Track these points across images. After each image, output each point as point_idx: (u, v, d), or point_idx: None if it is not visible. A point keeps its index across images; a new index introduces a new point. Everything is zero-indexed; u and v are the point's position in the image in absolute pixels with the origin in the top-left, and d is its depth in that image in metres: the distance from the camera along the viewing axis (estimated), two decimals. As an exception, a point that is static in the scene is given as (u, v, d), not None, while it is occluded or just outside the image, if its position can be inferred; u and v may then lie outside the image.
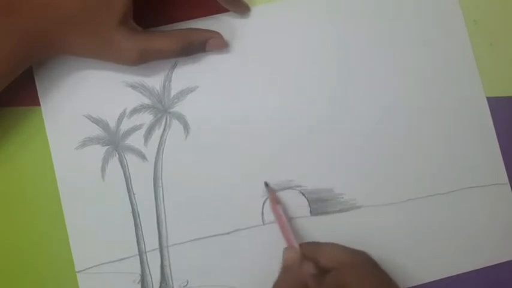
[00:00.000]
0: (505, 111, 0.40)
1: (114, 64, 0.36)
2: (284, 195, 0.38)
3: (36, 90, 0.38)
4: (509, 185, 0.40)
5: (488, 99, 0.40)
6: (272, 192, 0.38)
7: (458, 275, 0.39)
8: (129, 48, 0.34)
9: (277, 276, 0.35)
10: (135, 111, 0.38)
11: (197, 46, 0.37)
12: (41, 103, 0.38)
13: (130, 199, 0.38)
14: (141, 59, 0.35)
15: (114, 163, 0.38)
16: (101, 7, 0.33)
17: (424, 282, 0.39)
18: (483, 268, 0.39)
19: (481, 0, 0.41)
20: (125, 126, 0.38)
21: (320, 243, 0.36)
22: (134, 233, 0.38)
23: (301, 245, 0.36)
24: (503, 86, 0.40)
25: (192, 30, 0.37)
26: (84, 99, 0.38)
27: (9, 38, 0.32)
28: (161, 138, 0.38)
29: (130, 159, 0.38)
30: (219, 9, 0.38)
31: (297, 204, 0.39)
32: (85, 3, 0.33)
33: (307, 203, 0.39)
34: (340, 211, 0.39)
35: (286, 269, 0.36)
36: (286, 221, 0.37)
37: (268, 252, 0.38)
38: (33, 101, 0.38)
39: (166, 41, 0.35)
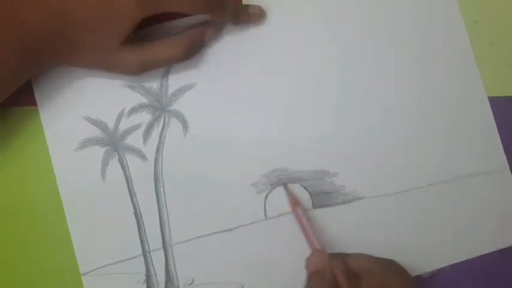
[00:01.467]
0: (505, 111, 0.40)
1: None
2: (284, 190, 0.38)
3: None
4: (509, 171, 0.40)
5: (488, 99, 0.40)
6: (291, 194, 0.38)
7: (462, 262, 0.39)
8: (131, 62, 0.35)
9: (306, 284, 0.35)
10: (133, 110, 0.38)
11: (199, 45, 0.37)
12: (39, 105, 0.37)
13: (132, 200, 0.38)
14: (143, 70, 0.36)
15: (114, 164, 0.38)
16: (107, 28, 0.33)
17: (429, 270, 0.39)
18: (487, 254, 0.39)
19: (481, 0, 0.40)
20: (124, 126, 0.38)
21: (347, 253, 0.36)
22: (137, 234, 0.37)
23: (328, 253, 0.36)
24: (503, 86, 0.40)
25: (190, 33, 0.37)
26: (82, 100, 0.38)
27: (14, 50, 0.32)
28: (160, 137, 0.38)
29: (130, 159, 0.38)
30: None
31: (299, 198, 0.38)
32: (94, 27, 0.33)
33: (308, 196, 0.39)
34: (342, 203, 0.39)
35: (315, 275, 0.34)
36: (308, 223, 0.37)
37: (272, 247, 0.38)
38: (32, 101, 0.37)
39: (167, 51, 0.36)
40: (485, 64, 0.40)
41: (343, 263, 0.34)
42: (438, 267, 0.39)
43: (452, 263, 0.39)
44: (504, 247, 0.40)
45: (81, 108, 0.38)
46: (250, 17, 0.38)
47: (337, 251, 0.37)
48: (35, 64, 0.34)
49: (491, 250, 0.40)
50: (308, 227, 0.36)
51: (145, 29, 0.37)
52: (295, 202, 0.38)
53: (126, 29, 0.33)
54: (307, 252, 0.36)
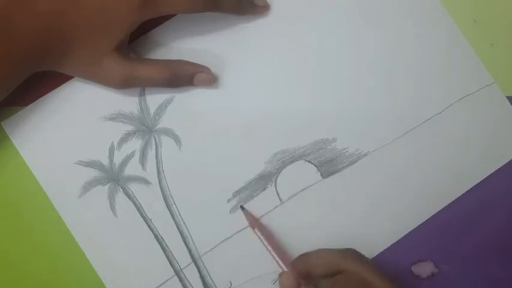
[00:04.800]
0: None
1: (86, 104, 0.37)
2: (291, 170, 0.39)
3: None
4: (496, 84, 0.40)
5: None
6: (248, 215, 0.38)
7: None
8: (116, 73, 0.35)
9: None
10: (123, 141, 0.38)
11: (184, 79, 0.37)
12: (28, 162, 0.37)
13: (149, 226, 0.38)
14: (125, 85, 0.36)
15: (120, 198, 0.38)
16: (104, 29, 0.33)
17: (456, 196, 0.40)
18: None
19: (481, 0, 0.41)
20: (118, 158, 0.38)
21: (307, 253, 0.37)
22: (164, 256, 0.38)
23: (293, 263, 0.36)
24: (503, 86, 0.40)
25: (181, 63, 0.37)
26: (69, 147, 0.37)
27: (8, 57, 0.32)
28: (156, 158, 0.38)
29: (135, 188, 0.38)
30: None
31: (306, 173, 0.39)
32: (91, 28, 0.33)
33: (315, 168, 0.39)
34: (349, 164, 0.39)
35: None
36: (271, 243, 0.37)
37: (295, 228, 0.38)
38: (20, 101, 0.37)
39: (153, 71, 0.36)
40: (485, 64, 0.40)
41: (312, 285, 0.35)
42: (460, 193, 0.40)
43: (471, 187, 0.40)
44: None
45: (70, 155, 0.37)
46: (255, 8, 0.38)
47: (356, 215, 0.39)
48: (32, 64, 0.34)
49: (501, 164, 0.40)
50: (271, 246, 0.37)
51: (138, 58, 0.37)
52: (252, 223, 0.38)
53: (123, 32, 0.34)
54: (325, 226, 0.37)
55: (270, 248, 0.36)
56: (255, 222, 0.37)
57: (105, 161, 0.38)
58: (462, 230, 0.39)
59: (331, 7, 0.40)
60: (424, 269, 0.39)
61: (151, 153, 0.38)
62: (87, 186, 0.37)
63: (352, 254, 0.36)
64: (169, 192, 0.38)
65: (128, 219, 0.37)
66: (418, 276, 0.39)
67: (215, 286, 0.38)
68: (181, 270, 0.38)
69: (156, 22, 0.38)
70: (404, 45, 0.40)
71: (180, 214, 0.38)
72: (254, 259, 0.38)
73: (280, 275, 0.35)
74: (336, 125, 0.39)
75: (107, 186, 0.37)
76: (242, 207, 0.38)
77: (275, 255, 0.36)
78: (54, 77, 0.36)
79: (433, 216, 0.39)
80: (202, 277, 0.38)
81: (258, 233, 0.37)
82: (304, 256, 0.36)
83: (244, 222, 0.38)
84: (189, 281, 0.38)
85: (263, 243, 0.37)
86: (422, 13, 0.40)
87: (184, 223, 0.38)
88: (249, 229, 0.38)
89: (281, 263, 0.36)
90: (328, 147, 0.39)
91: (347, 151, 0.39)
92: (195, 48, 0.38)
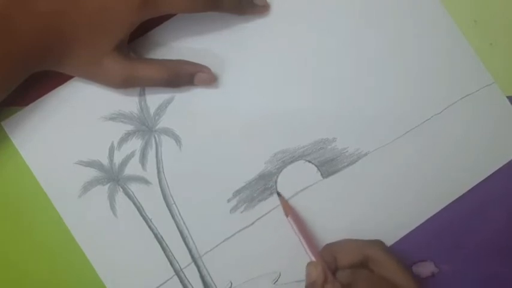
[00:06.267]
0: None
1: (86, 104, 0.37)
2: (291, 170, 0.39)
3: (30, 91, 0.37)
4: (496, 84, 0.41)
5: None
6: (284, 202, 0.38)
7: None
8: (116, 73, 0.35)
9: None
10: (123, 141, 0.38)
11: (184, 79, 0.37)
12: (28, 162, 0.37)
13: (149, 225, 0.38)
14: (125, 84, 0.36)
15: (120, 197, 0.38)
16: (104, 29, 0.33)
17: (455, 198, 0.40)
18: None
19: (481, 0, 0.41)
20: (118, 158, 0.38)
21: (332, 243, 0.37)
22: (164, 256, 0.38)
23: (321, 253, 0.36)
24: (503, 86, 0.40)
25: (181, 62, 0.37)
26: (69, 147, 0.37)
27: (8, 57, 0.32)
28: (157, 157, 0.38)
29: (135, 188, 0.38)
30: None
31: (307, 173, 0.39)
32: (91, 28, 0.33)
33: (315, 168, 0.39)
34: (349, 164, 0.39)
35: (311, 285, 0.35)
36: (303, 233, 0.37)
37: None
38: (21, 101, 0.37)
39: (153, 71, 0.36)
40: (485, 64, 0.40)
41: (338, 284, 0.34)
42: (461, 193, 0.40)
43: (471, 187, 0.40)
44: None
45: (70, 155, 0.37)
46: (255, 8, 0.38)
47: (357, 215, 0.39)
48: (32, 64, 0.34)
49: (501, 164, 0.40)
50: (302, 236, 0.36)
51: (138, 58, 0.37)
52: (287, 210, 0.37)
53: (123, 32, 0.34)
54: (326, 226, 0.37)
55: (301, 238, 0.36)
56: (289, 210, 0.37)
57: (105, 161, 0.38)
58: (462, 230, 0.39)
59: (331, 7, 0.40)
60: (424, 269, 0.39)
61: (151, 153, 0.38)
62: (87, 186, 0.37)
63: (379, 243, 0.36)
64: (169, 192, 0.38)
65: (128, 219, 0.37)
66: (418, 276, 0.39)
67: (215, 286, 0.38)
68: (181, 270, 0.38)
69: (156, 22, 0.38)
70: (404, 45, 0.40)
71: (180, 214, 0.38)
72: (254, 259, 0.38)
73: (308, 264, 0.35)
74: (336, 125, 0.39)
75: (106, 186, 0.37)
76: (278, 193, 0.38)
77: (305, 245, 0.36)
78: (54, 77, 0.36)
79: (433, 216, 0.39)
80: (202, 277, 0.38)
81: (291, 221, 0.37)
82: (329, 245, 0.37)
83: (245, 222, 0.38)
84: (189, 281, 0.38)
85: (295, 232, 0.37)
86: (422, 13, 0.40)
87: (184, 223, 0.38)
88: (250, 229, 0.38)
89: (310, 254, 0.36)
90: (328, 147, 0.39)
91: (347, 151, 0.39)
92: (195, 48, 0.38)
